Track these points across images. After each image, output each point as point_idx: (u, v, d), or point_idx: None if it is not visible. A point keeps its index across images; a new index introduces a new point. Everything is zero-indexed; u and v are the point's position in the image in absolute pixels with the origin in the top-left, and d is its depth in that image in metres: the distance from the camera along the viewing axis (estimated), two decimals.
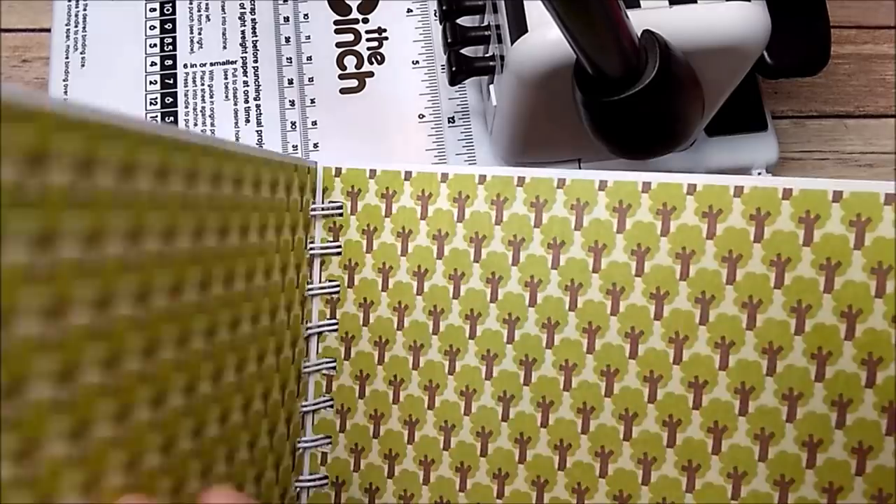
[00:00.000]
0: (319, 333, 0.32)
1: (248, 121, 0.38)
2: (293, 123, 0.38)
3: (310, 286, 0.32)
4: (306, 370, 0.31)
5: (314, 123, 0.38)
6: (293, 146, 0.38)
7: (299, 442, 0.31)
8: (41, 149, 0.16)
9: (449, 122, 0.39)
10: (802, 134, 0.47)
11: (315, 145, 0.38)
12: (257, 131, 0.38)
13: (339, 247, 0.31)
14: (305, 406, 0.31)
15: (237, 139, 0.38)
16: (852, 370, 0.26)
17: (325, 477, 0.31)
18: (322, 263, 0.32)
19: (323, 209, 0.32)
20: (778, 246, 0.26)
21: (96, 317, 0.18)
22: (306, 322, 0.32)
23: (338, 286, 0.32)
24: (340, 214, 0.32)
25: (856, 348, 0.25)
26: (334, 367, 0.31)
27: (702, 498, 0.27)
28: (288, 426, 0.30)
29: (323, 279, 0.32)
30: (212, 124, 0.38)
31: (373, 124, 0.39)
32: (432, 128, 0.39)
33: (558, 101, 0.28)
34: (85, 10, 0.40)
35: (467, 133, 0.39)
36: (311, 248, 0.32)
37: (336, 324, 0.32)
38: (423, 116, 0.39)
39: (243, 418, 0.26)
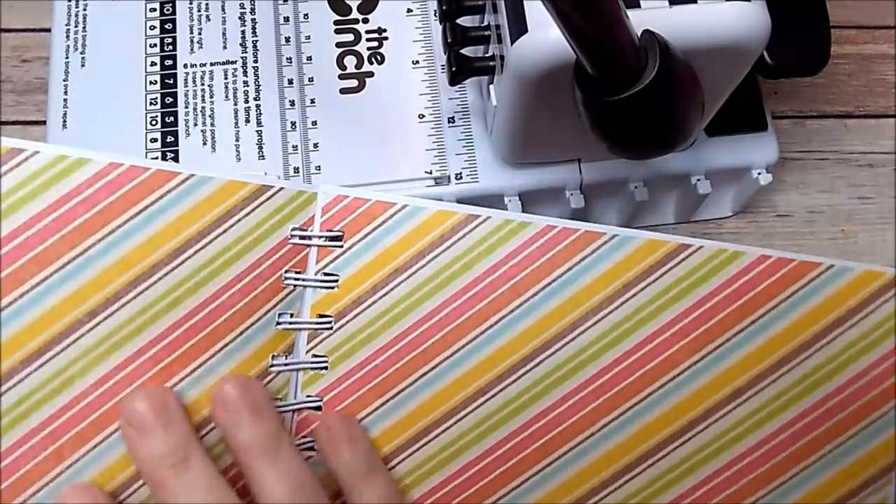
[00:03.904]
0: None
1: (248, 121, 0.38)
2: (293, 123, 0.38)
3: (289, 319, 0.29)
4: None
5: (314, 123, 0.38)
6: (293, 146, 0.38)
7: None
8: None
9: (449, 122, 0.39)
10: (802, 134, 0.47)
11: (315, 145, 0.38)
12: (257, 131, 0.38)
13: (336, 281, 0.29)
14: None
15: (237, 139, 0.38)
16: None
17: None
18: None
19: (319, 237, 0.29)
20: None
21: None
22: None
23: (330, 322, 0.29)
24: (341, 245, 0.29)
25: None
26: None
27: None
28: None
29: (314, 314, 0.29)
30: (212, 124, 0.38)
31: (373, 124, 0.39)
32: (432, 128, 0.39)
33: (558, 101, 0.28)
34: (85, 10, 0.40)
35: (467, 133, 0.39)
36: (301, 280, 0.29)
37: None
38: (423, 116, 0.39)
39: None
